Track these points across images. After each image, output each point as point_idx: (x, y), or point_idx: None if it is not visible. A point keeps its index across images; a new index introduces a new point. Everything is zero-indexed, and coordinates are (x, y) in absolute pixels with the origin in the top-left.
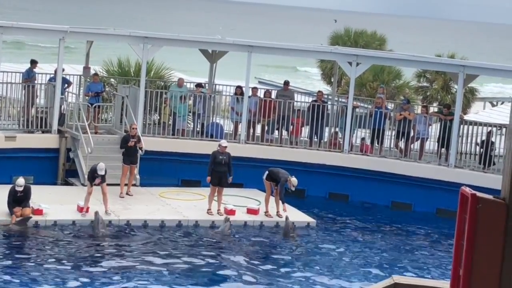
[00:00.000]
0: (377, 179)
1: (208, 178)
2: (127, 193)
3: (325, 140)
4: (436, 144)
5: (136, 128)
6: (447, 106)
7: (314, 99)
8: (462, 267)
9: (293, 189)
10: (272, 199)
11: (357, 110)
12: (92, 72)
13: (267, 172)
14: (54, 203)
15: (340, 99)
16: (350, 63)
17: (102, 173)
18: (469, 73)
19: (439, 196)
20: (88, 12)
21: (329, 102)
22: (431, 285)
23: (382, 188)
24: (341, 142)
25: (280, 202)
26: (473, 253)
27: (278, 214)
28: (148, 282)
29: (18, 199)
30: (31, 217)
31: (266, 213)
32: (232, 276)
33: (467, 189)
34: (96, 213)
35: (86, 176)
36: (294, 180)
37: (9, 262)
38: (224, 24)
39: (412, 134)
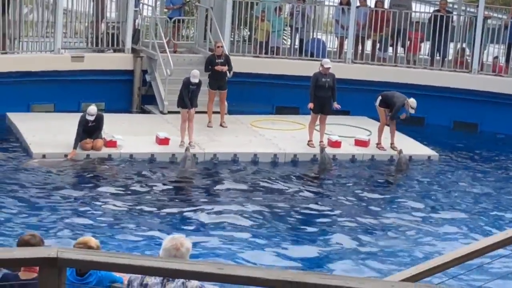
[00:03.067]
0: None
1: (311, 104)
2: (220, 125)
3: (450, 58)
4: None
5: (221, 46)
6: None
7: (436, 8)
8: None
9: (413, 111)
10: (386, 130)
11: (489, 21)
12: None
13: (380, 97)
14: (129, 134)
15: (468, 9)
16: None
17: (196, 80)
18: None
19: None
20: None
21: (454, 12)
22: None
23: None
24: (469, 61)
25: (395, 132)
26: None
27: (392, 147)
28: (238, 229)
29: (89, 130)
30: (106, 159)
31: (378, 145)
32: (332, 218)
33: None
34: (187, 149)
35: (177, 99)
36: (412, 100)
37: (80, 203)
38: None
39: None
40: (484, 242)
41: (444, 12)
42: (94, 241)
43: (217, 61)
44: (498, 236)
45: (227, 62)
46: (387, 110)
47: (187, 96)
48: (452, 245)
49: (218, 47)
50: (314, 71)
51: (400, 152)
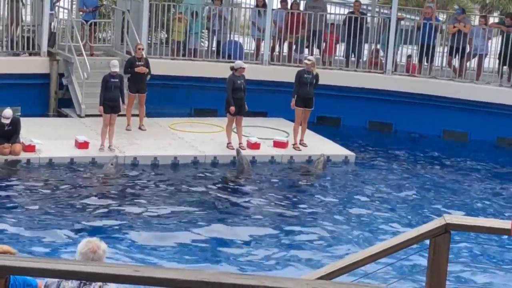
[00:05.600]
0: (426, 105)
1: (232, 108)
2: (139, 128)
3: (364, 59)
4: (497, 61)
5: (142, 49)
6: (510, 16)
7: (350, 10)
8: None
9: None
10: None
11: (402, 22)
12: None
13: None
14: (47, 138)
15: (382, 10)
16: None
17: (116, 69)
18: None
19: (500, 123)
20: None
21: (368, 14)
22: (487, 225)
23: (432, 114)
24: (383, 61)
25: (306, 130)
26: None
27: (301, 143)
28: (158, 228)
29: (6, 134)
30: (20, 161)
31: (294, 145)
32: (254, 221)
33: None
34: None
35: (99, 101)
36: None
37: None
38: None
39: (468, 50)
40: (396, 240)
41: (358, 14)
42: (6, 247)
43: (137, 63)
44: (411, 233)
45: (147, 65)
46: (303, 109)
47: (108, 91)
48: (367, 242)
49: (139, 49)
50: (229, 74)
51: (322, 156)
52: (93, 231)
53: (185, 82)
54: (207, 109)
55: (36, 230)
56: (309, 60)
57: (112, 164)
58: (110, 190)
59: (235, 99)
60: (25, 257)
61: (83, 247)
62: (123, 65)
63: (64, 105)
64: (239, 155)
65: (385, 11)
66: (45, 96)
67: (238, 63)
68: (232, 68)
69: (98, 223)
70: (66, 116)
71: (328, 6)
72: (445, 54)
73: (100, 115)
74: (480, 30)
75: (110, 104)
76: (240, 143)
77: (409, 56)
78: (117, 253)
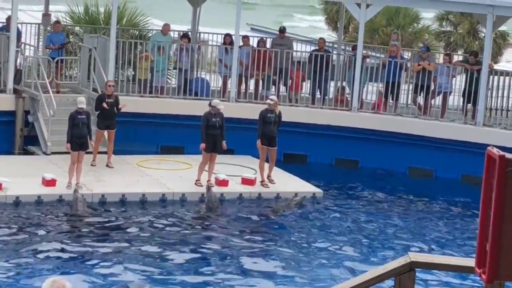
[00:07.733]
0: (392, 142)
1: (203, 145)
2: (107, 165)
3: (330, 96)
4: (461, 99)
5: (112, 86)
6: (474, 54)
7: (315, 48)
8: (489, 241)
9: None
10: (266, 166)
11: (367, 60)
12: (53, 19)
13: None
14: (14, 176)
15: (347, 48)
16: (358, 5)
17: (82, 106)
18: (500, 14)
19: (465, 161)
20: None
21: (334, 52)
22: (451, 263)
23: (398, 152)
24: (349, 99)
25: (274, 167)
26: (502, 224)
27: (269, 179)
28: (125, 267)
29: None
30: None
31: (262, 182)
32: (222, 261)
33: (495, 150)
34: (76, 191)
35: (67, 137)
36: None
37: None
38: None
39: (432, 87)
40: (360, 279)
41: (322, 51)
42: None
43: (107, 100)
44: (375, 271)
45: (117, 102)
46: (267, 148)
47: (75, 128)
48: (332, 280)
49: (110, 86)
50: (198, 110)
51: (295, 195)
52: (59, 271)
53: (152, 119)
54: (174, 146)
55: (1, 269)
56: (271, 100)
57: (81, 202)
58: (77, 228)
59: (209, 135)
60: None
61: (48, 287)
62: (90, 102)
63: (30, 142)
64: (209, 192)
65: (351, 49)
66: (10, 133)
67: (214, 102)
68: (209, 104)
69: (63, 263)
70: (32, 153)
71: (295, 44)
72: (410, 91)
73: (67, 153)
74: (444, 68)
75: (78, 141)
76: (208, 180)
77: (380, 91)
78: None
